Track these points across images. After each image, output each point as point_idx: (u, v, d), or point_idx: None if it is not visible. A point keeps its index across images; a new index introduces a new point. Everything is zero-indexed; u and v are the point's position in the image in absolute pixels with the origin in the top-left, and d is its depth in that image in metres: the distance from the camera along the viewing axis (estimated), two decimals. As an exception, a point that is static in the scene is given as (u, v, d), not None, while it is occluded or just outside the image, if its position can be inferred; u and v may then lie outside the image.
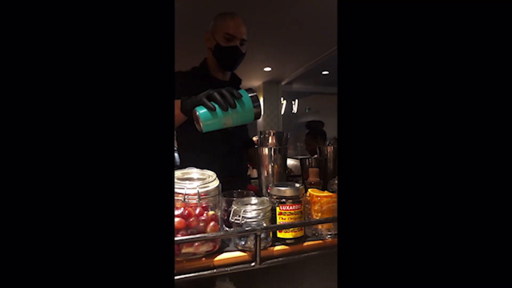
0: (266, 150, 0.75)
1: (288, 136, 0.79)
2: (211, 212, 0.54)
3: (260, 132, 0.78)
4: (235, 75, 1.13)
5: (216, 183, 0.56)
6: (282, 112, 4.55)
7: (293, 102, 4.73)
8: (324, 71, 3.78)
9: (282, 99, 4.50)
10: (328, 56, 3.13)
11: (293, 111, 4.75)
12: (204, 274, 0.50)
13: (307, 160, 0.91)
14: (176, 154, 1.93)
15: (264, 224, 0.55)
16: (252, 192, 0.66)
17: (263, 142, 0.77)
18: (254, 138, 1.37)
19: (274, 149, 0.75)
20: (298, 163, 1.03)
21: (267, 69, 3.69)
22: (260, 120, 3.38)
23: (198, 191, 0.52)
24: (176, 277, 0.48)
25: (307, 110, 4.81)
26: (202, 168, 0.59)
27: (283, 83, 4.25)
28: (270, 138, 0.76)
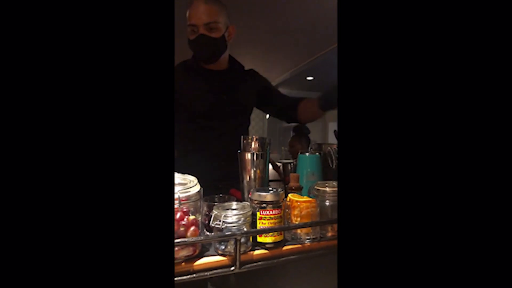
0: (248, 155, 0.76)
1: (271, 142, 0.81)
2: (191, 217, 0.54)
3: (243, 137, 0.78)
4: (234, 60, 1.01)
5: (197, 188, 0.57)
6: (268, 116, 4.58)
7: (278, 106, 4.76)
8: (308, 76, 3.84)
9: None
10: (312, 62, 3.18)
11: (278, 115, 4.78)
12: (184, 279, 0.50)
13: (289, 165, 0.93)
14: None
15: (245, 229, 0.55)
16: (233, 197, 0.67)
17: (245, 147, 0.78)
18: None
19: (256, 154, 0.76)
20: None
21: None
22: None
23: (179, 196, 0.52)
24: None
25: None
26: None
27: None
28: (253, 143, 0.77)
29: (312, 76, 3.85)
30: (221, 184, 0.83)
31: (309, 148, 0.94)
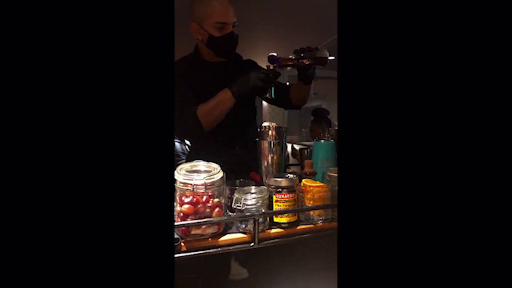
0: (266, 143, 0.82)
1: (287, 130, 0.86)
2: (216, 200, 0.62)
3: (261, 126, 0.84)
4: (235, 53, 1.06)
5: (221, 174, 0.64)
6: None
7: (299, 87, 4.70)
8: (330, 56, 3.75)
9: (287, 84, 4.48)
10: (334, 42, 3.10)
11: (298, 96, 4.73)
12: (210, 252, 0.59)
13: (306, 150, 0.99)
14: (178, 144, 2.00)
15: (262, 210, 0.63)
16: (253, 181, 0.74)
17: (263, 136, 0.84)
18: None
19: (273, 142, 0.82)
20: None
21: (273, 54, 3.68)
22: (265, 104, 3.42)
23: (204, 182, 0.60)
24: (187, 254, 0.57)
25: (313, 95, 4.80)
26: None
27: (288, 68, 4.22)
28: (270, 131, 0.83)
29: (333, 56, 3.75)
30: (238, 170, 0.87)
31: (327, 133, 0.98)
